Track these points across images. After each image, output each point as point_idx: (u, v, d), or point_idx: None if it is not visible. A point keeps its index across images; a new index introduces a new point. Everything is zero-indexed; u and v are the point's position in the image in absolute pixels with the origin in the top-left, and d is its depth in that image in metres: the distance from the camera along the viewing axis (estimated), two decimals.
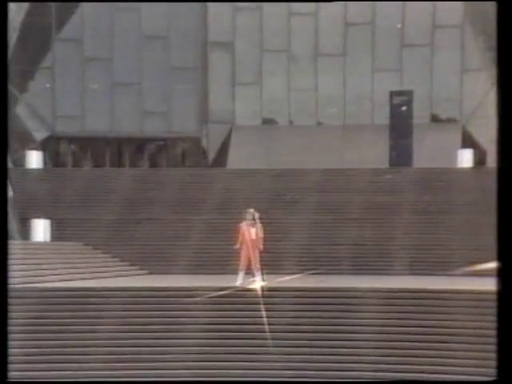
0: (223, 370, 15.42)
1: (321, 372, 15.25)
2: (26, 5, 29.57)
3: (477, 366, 14.75)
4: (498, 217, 8.16)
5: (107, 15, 31.55)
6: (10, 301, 16.65)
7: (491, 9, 28.92)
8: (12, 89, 30.22)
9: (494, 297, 17.03)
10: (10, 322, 9.70)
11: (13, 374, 14.95)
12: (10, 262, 20.37)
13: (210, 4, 31.79)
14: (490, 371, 14.21)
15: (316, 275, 20.26)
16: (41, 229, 24.27)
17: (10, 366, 11.53)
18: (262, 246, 17.98)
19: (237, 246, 17.85)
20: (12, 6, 28.88)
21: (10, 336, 14.94)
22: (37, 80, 31.54)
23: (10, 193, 25.51)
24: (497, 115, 8.01)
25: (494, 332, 15.55)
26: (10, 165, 27.25)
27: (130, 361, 15.72)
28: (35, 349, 15.98)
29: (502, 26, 7.90)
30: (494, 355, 14.82)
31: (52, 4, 30.88)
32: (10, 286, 17.53)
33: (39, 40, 30.93)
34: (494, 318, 15.91)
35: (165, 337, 16.17)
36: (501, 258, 8.06)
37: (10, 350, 13.04)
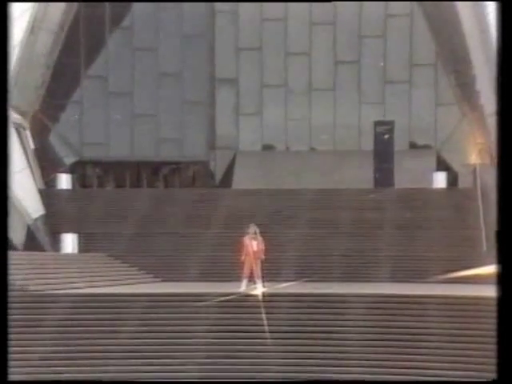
0: (230, 365, 15.31)
1: (314, 368, 15.12)
2: (59, 45, 29.57)
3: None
4: (498, 223, 7.67)
5: (128, 55, 31.58)
6: (31, 305, 16.64)
7: (461, 49, 28.99)
8: (45, 120, 30.27)
9: (467, 301, 16.89)
10: (9, 322, 9.19)
11: (49, 371, 14.80)
12: (44, 271, 20.24)
13: (217, 45, 31.82)
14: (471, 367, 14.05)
15: (310, 282, 20.13)
16: (69, 242, 24.18)
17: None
18: (263, 257, 17.89)
19: (242, 258, 17.78)
20: (48, 45, 28.73)
21: (35, 337, 14.75)
22: (67, 112, 31.53)
23: (43, 210, 25.48)
24: (496, 116, 7.50)
25: (469, 332, 15.49)
26: (42, 186, 27.21)
27: (148, 357, 15.61)
28: (64, 347, 15.87)
29: (502, 26, 7.37)
30: (471, 353, 14.77)
31: (81, 44, 30.91)
32: (43, 293, 17.49)
33: (70, 77, 30.94)
34: (470, 320, 15.83)
35: (178, 337, 16.08)
36: (501, 262, 7.59)
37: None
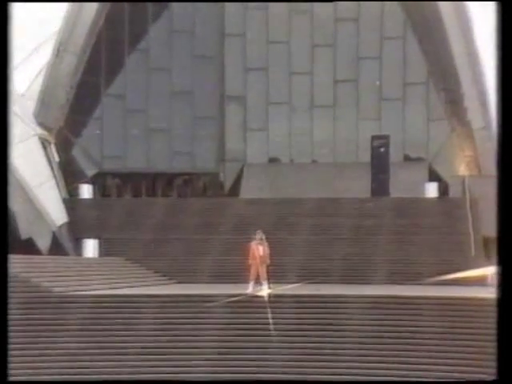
0: (238, 360, 15.30)
1: (317, 363, 15.10)
2: (82, 66, 29.70)
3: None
4: (498, 226, 7.28)
5: (144, 75, 31.66)
6: (56, 305, 16.64)
7: (450, 69, 29.00)
8: (69, 135, 30.35)
9: (459, 301, 16.84)
10: (9, 322, 8.83)
11: (77, 365, 14.81)
12: (67, 273, 20.22)
13: (226, 63, 31.88)
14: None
15: (312, 284, 20.10)
16: (91, 247, 24.18)
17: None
18: (269, 261, 17.88)
19: (249, 262, 17.78)
20: (72, 66, 28.80)
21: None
22: (89, 128, 31.60)
23: (66, 218, 25.51)
24: (496, 116, 6.99)
25: (461, 330, 15.46)
26: (66, 195, 27.27)
27: (162, 353, 15.61)
28: (86, 344, 15.88)
29: (502, 26, 6.85)
30: (462, 349, 14.72)
31: (102, 66, 31.02)
32: (66, 294, 17.51)
33: (91, 96, 31.04)
34: (461, 319, 15.79)
35: (190, 334, 16.08)
36: (500, 264, 7.20)
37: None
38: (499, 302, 7.20)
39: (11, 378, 8.79)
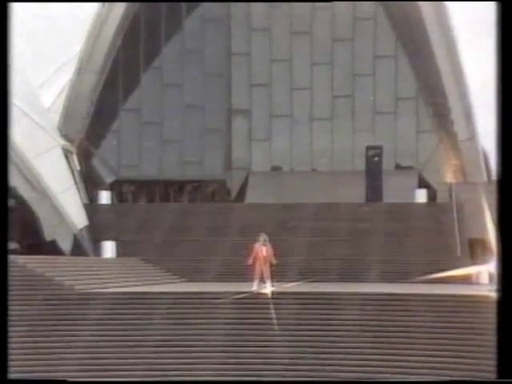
0: (243, 353, 15.31)
1: (317, 355, 15.10)
2: (101, 82, 29.85)
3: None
4: (498, 225, 6.85)
5: (158, 90, 31.76)
6: (78, 302, 16.70)
7: (438, 85, 29.07)
8: (89, 146, 30.45)
9: (446, 298, 16.83)
10: (9, 322, 8.48)
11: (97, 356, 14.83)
12: (87, 272, 20.29)
13: (233, 80, 31.93)
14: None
15: (312, 283, 20.11)
16: (108, 248, 24.22)
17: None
18: (275, 261, 17.85)
19: (250, 262, 17.76)
20: (92, 83, 28.98)
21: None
22: (107, 139, 31.68)
23: (87, 221, 25.57)
24: (496, 116, 6.56)
25: (448, 324, 15.46)
26: (87, 201, 27.33)
27: (174, 346, 15.64)
28: (104, 337, 15.92)
29: (502, 26, 6.38)
30: (448, 342, 14.71)
31: (120, 82, 31.15)
32: (86, 291, 17.57)
33: (110, 110, 31.15)
34: (448, 314, 15.79)
35: (200, 328, 16.10)
36: (500, 263, 6.78)
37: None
38: (499, 302, 6.84)
39: (11, 376, 8.39)
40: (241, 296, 16.59)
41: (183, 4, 31.70)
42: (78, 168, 28.15)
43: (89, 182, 28.86)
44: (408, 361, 14.71)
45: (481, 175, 28.90)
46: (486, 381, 12.21)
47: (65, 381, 12.54)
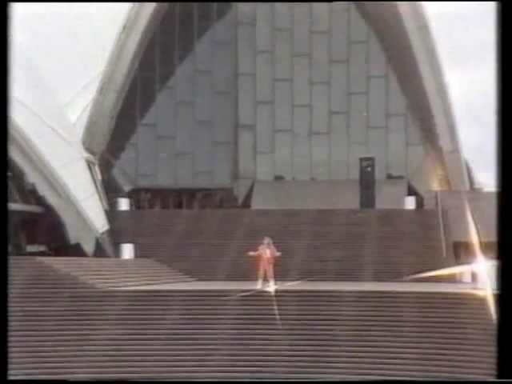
0: (248, 345, 15.30)
1: (313, 347, 15.09)
2: (121, 100, 30.03)
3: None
4: (498, 226, 6.47)
5: (172, 107, 31.92)
6: (99, 298, 16.72)
7: (425, 103, 29.18)
8: (110, 157, 30.58)
9: (433, 295, 16.82)
10: (9, 322, 7.98)
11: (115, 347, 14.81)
12: (108, 272, 20.32)
13: (239, 98, 32.04)
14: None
15: (311, 281, 20.11)
16: (127, 250, 24.24)
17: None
18: (278, 253, 17.81)
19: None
20: (113, 101, 29.17)
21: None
22: (126, 151, 31.85)
23: (107, 226, 25.61)
24: (496, 117, 6.18)
25: (436, 319, 15.45)
26: (107, 207, 27.40)
27: (186, 339, 15.64)
28: (122, 330, 15.94)
29: (502, 25, 5.94)
30: (435, 335, 14.71)
31: (137, 99, 31.30)
32: (107, 289, 17.61)
33: (128, 125, 31.30)
34: (436, 310, 15.77)
35: (209, 323, 16.12)
36: (500, 262, 6.44)
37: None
38: (499, 302, 6.47)
39: (11, 375, 7.86)
40: (247, 293, 16.60)
41: (195, 29, 31.89)
42: (100, 177, 28.27)
43: (109, 190, 28.96)
44: (396, 352, 14.68)
45: (463, 184, 28.99)
46: (486, 381, 11.53)
47: (65, 381, 12.30)
